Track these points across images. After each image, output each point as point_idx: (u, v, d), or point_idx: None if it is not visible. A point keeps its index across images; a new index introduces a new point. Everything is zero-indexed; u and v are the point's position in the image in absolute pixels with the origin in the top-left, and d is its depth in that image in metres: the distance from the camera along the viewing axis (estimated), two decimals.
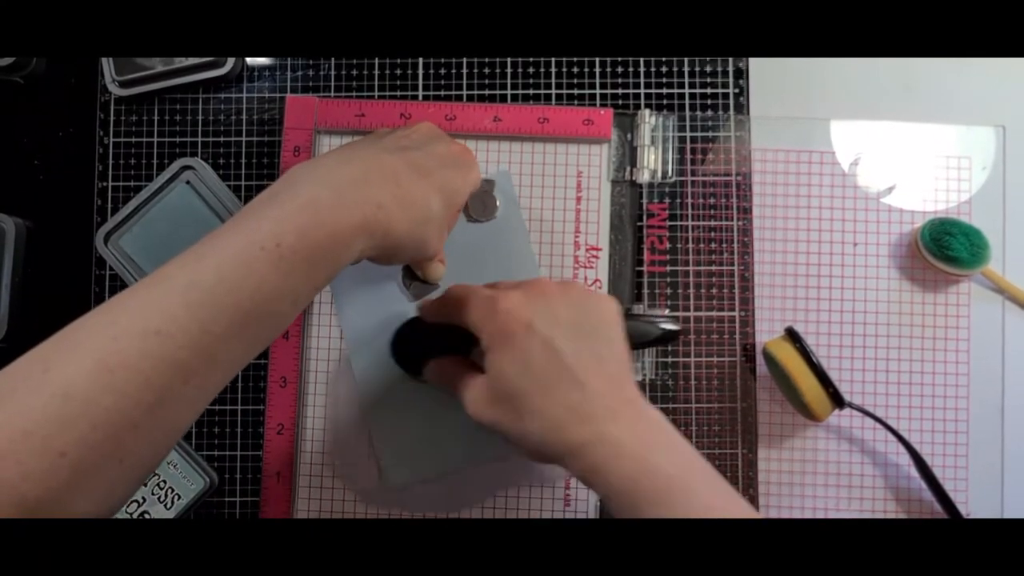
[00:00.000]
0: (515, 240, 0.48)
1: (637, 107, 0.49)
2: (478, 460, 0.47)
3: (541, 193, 0.49)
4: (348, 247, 0.35)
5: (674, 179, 0.49)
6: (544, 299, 0.38)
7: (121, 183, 0.50)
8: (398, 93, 0.50)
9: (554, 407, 0.36)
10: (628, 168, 0.49)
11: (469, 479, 0.47)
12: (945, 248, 0.45)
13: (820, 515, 0.48)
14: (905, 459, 0.47)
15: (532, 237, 0.48)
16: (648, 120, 0.48)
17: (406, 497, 0.48)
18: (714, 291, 0.48)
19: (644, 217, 0.49)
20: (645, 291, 0.48)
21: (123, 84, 0.49)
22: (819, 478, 0.48)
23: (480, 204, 0.48)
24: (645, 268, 0.48)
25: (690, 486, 0.34)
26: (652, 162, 0.48)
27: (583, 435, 0.35)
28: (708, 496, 0.35)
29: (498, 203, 0.48)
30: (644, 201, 0.49)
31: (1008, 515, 0.47)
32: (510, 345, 0.37)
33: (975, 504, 0.47)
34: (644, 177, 0.48)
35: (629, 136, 0.49)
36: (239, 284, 0.32)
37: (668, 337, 0.45)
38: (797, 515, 0.48)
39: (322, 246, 0.34)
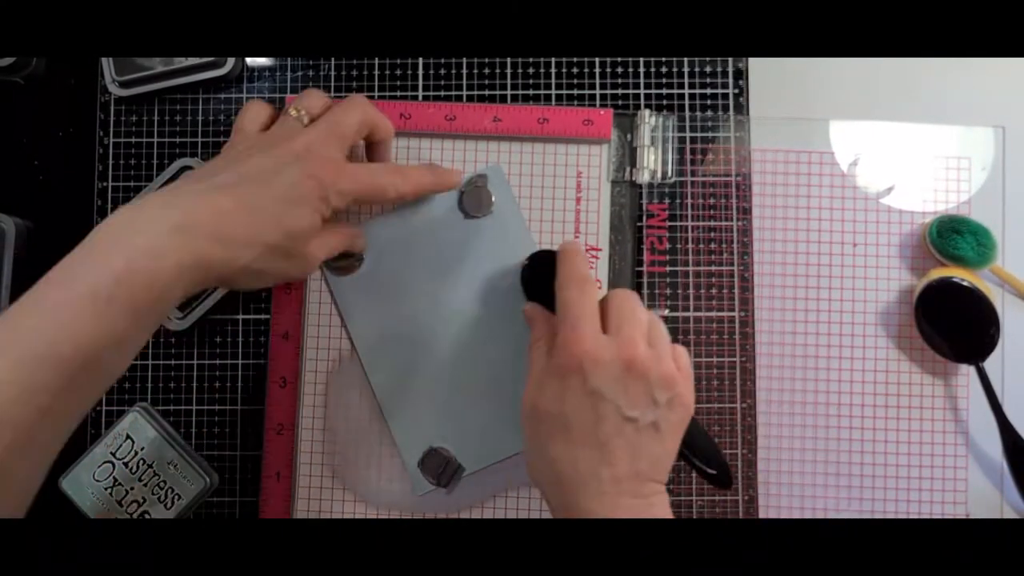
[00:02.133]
0: (513, 234, 0.48)
1: (637, 107, 0.49)
2: (488, 462, 0.47)
3: (541, 193, 0.49)
4: (170, 291, 0.35)
5: (674, 179, 0.49)
6: (628, 371, 0.36)
7: (121, 183, 0.50)
8: (398, 93, 0.50)
9: (565, 463, 0.36)
10: (628, 168, 0.49)
11: (476, 481, 0.47)
12: (952, 247, 0.46)
13: (820, 515, 0.48)
14: (904, 459, 0.47)
15: (531, 238, 0.48)
16: (648, 120, 0.48)
17: (406, 499, 0.48)
18: (714, 291, 0.48)
19: (644, 217, 0.49)
20: (645, 291, 0.48)
21: (123, 84, 0.49)
22: (819, 478, 0.48)
23: (475, 200, 0.48)
24: (645, 268, 0.48)
25: None
26: (652, 162, 0.48)
27: (569, 502, 0.36)
28: None
29: (493, 198, 0.48)
30: (644, 201, 0.49)
31: (1008, 515, 0.47)
32: (562, 383, 0.37)
33: (975, 504, 0.47)
34: (644, 177, 0.48)
35: (629, 136, 0.49)
36: (61, 336, 0.32)
37: (713, 478, 0.43)
38: (797, 515, 0.48)
39: (141, 295, 0.34)
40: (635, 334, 0.37)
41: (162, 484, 0.47)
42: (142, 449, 0.47)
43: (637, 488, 0.36)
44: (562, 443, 0.36)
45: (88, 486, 0.47)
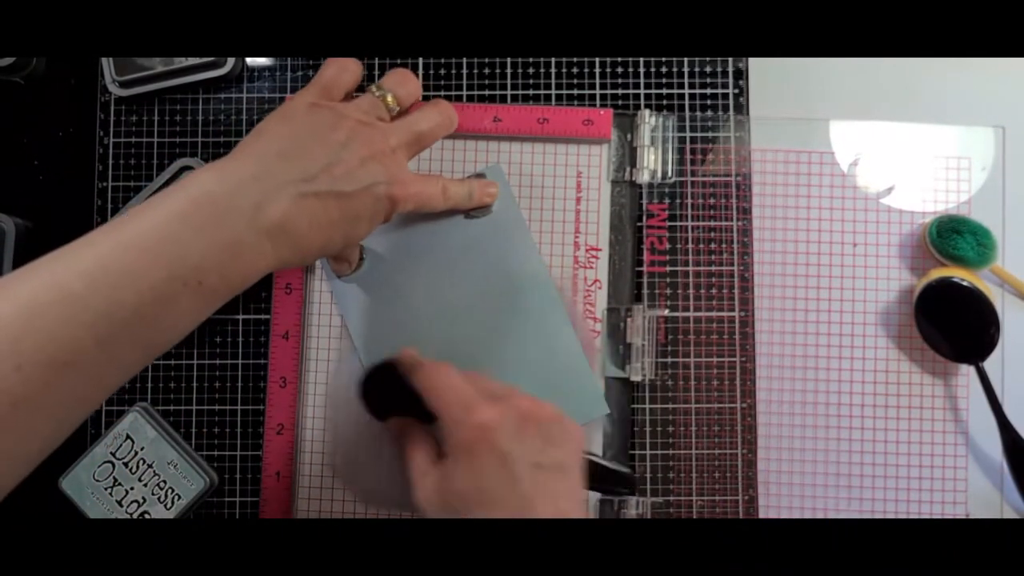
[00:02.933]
0: (514, 233, 0.48)
1: (637, 107, 0.49)
2: None
3: (541, 193, 0.49)
4: (251, 281, 0.36)
5: (674, 179, 0.49)
6: (518, 422, 0.37)
7: (121, 183, 0.50)
8: None
9: None
10: (628, 168, 0.49)
11: None
12: (952, 247, 0.46)
13: (820, 515, 0.48)
14: (904, 459, 0.47)
15: (532, 237, 0.48)
16: (648, 120, 0.48)
17: (406, 498, 0.48)
18: (714, 291, 0.48)
19: (644, 217, 0.49)
20: (645, 291, 0.48)
21: (123, 84, 0.49)
22: (819, 478, 0.48)
23: None
24: (645, 268, 0.48)
25: None
26: (652, 162, 0.48)
27: None
28: None
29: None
30: (644, 201, 0.49)
31: (1007, 514, 0.47)
32: (471, 460, 0.36)
33: (975, 504, 0.47)
34: (644, 177, 0.48)
35: (629, 136, 0.49)
36: (157, 320, 0.33)
37: (625, 483, 0.45)
38: (797, 515, 0.48)
39: (236, 285, 0.35)
40: (505, 390, 0.38)
41: (162, 484, 0.47)
42: (142, 449, 0.47)
43: None
44: (483, 512, 0.35)
45: (88, 486, 0.47)
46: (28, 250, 0.50)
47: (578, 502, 0.37)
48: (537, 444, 0.36)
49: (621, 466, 0.47)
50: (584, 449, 0.39)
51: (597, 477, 0.44)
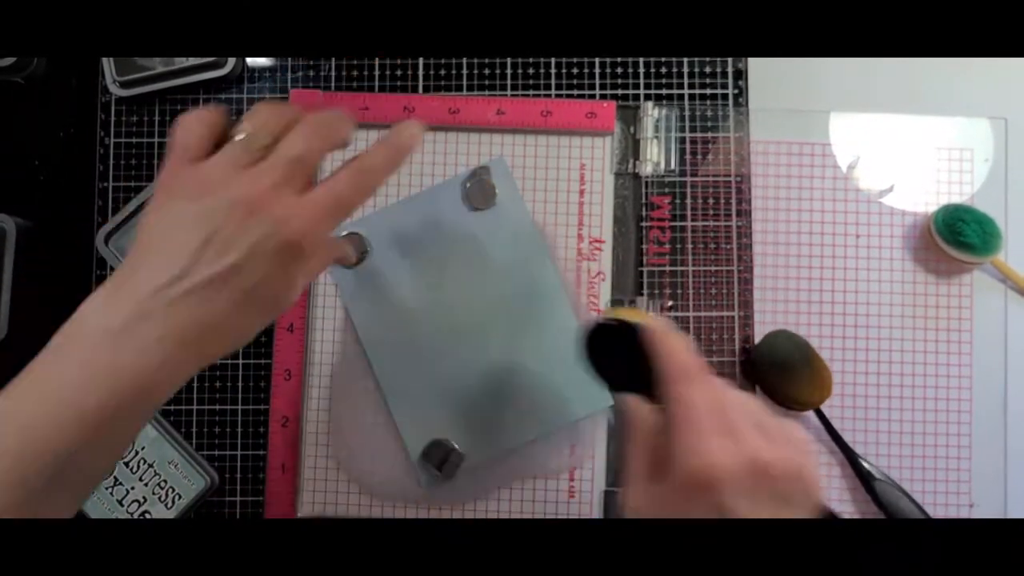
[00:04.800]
0: (519, 225, 0.48)
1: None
2: (490, 455, 0.47)
3: (544, 186, 0.49)
4: (160, 392, 0.32)
5: (676, 171, 0.49)
6: (752, 477, 0.31)
7: (121, 183, 0.50)
8: (398, 93, 0.50)
9: None
10: (631, 161, 0.49)
11: (479, 472, 0.47)
12: (958, 234, 0.46)
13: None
14: (908, 461, 0.47)
15: (536, 230, 0.49)
16: (651, 113, 0.48)
17: (411, 490, 0.48)
18: (714, 291, 0.48)
19: (647, 209, 0.49)
20: (646, 286, 0.48)
21: (124, 84, 0.49)
22: (821, 479, 0.47)
23: (479, 193, 0.48)
24: (648, 261, 0.48)
25: None
26: (655, 155, 0.48)
27: None
28: None
29: (496, 190, 0.48)
30: (646, 191, 0.49)
31: (1011, 508, 0.47)
32: (688, 503, 0.31)
33: (978, 496, 0.47)
34: (647, 170, 0.48)
35: (632, 129, 0.49)
36: (47, 447, 0.30)
37: None
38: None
39: (130, 403, 0.31)
40: (753, 431, 0.32)
41: (163, 484, 0.47)
42: (143, 449, 0.47)
43: None
44: None
45: None
46: (28, 250, 0.50)
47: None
48: (766, 503, 0.31)
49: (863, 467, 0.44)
50: (820, 506, 0.33)
51: None
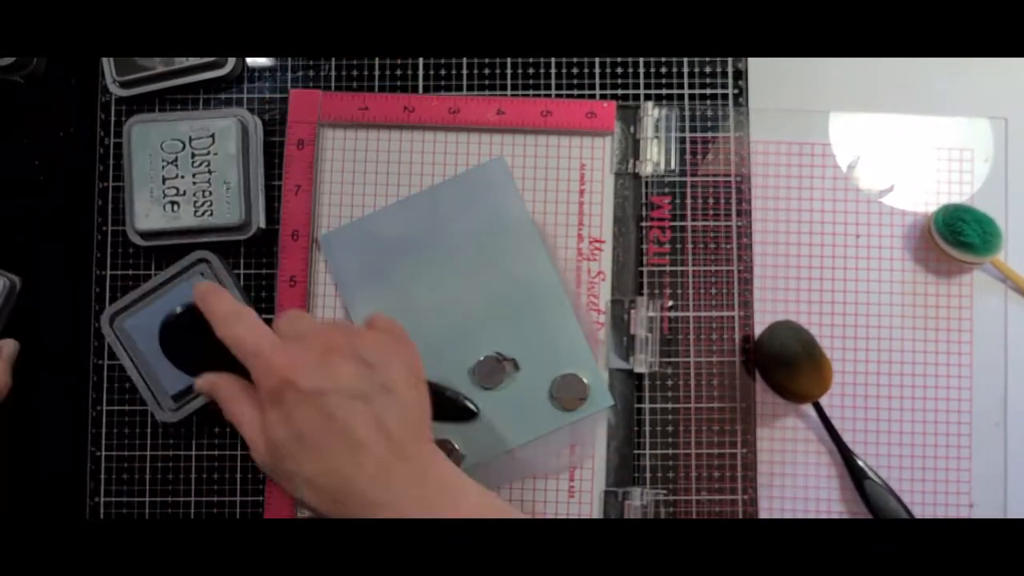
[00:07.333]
0: (519, 225, 0.48)
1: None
2: (490, 455, 0.47)
3: (544, 186, 0.49)
4: None
5: (676, 171, 0.49)
6: (328, 355, 0.35)
7: (121, 183, 0.50)
8: (398, 93, 0.50)
9: (325, 476, 0.33)
10: (631, 161, 0.49)
11: (479, 472, 0.47)
12: (958, 234, 0.46)
13: (820, 515, 0.47)
14: (908, 461, 0.47)
15: (536, 230, 0.49)
16: (651, 113, 0.48)
17: None
18: (714, 291, 0.48)
19: (647, 209, 0.49)
20: (646, 286, 0.48)
21: (124, 84, 0.49)
22: (821, 481, 0.48)
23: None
24: (648, 261, 0.48)
25: None
26: (655, 154, 0.48)
27: (351, 507, 0.33)
28: None
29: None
30: (646, 191, 0.49)
31: (1011, 509, 0.47)
32: (282, 407, 0.34)
33: (978, 497, 0.47)
34: (647, 170, 0.48)
35: (632, 129, 0.49)
36: None
37: (462, 416, 0.41)
38: (800, 515, 0.47)
39: None
40: (309, 325, 0.37)
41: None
42: None
43: (403, 455, 0.34)
44: (309, 458, 0.33)
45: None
46: (28, 250, 0.50)
47: (413, 424, 0.35)
48: (349, 371, 0.34)
49: (463, 398, 0.41)
50: (419, 368, 0.36)
51: (437, 405, 0.38)
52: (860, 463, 0.46)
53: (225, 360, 0.36)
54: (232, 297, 0.37)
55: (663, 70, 0.50)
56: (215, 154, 0.48)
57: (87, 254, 0.50)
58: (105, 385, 0.49)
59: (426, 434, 0.36)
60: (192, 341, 0.38)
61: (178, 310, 0.38)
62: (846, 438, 0.47)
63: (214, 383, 0.37)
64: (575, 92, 0.50)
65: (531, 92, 0.50)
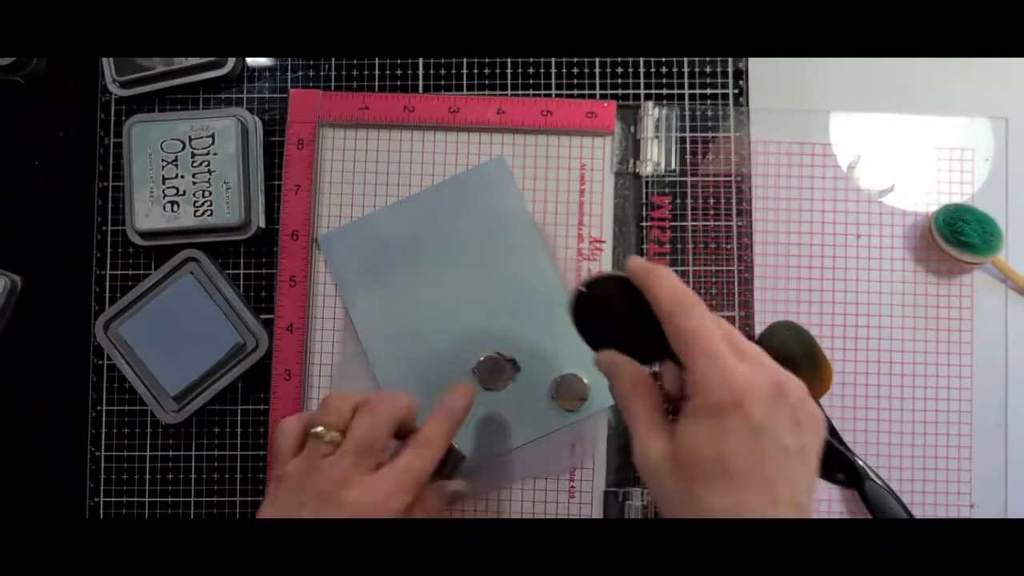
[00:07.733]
0: (519, 225, 0.48)
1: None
2: (491, 455, 0.47)
3: (544, 186, 0.49)
4: None
5: (677, 171, 0.49)
6: (778, 397, 0.32)
7: (121, 183, 0.50)
8: (398, 93, 0.50)
9: (732, 511, 0.31)
10: (631, 160, 0.49)
11: (480, 473, 0.47)
12: (958, 233, 0.46)
13: (821, 515, 0.47)
14: (909, 461, 0.47)
15: (536, 230, 0.49)
16: (652, 112, 0.48)
17: None
18: (714, 291, 0.48)
19: (647, 209, 0.49)
20: None
21: (123, 84, 0.49)
22: (821, 481, 0.47)
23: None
24: (649, 260, 0.48)
25: None
26: (655, 154, 0.48)
27: None
28: None
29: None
30: (646, 191, 0.49)
31: (1011, 509, 0.47)
32: (721, 426, 0.31)
33: (978, 497, 0.47)
34: (647, 169, 0.48)
35: (632, 128, 0.49)
36: None
37: (846, 469, 0.42)
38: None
39: None
40: (760, 353, 0.34)
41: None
42: None
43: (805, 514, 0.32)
44: (722, 489, 0.31)
45: None
46: (29, 249, 0.50)
47: (812, 494, 0.33)
48: (787, 424, 0.32)
49: (847, 450, 0.42)
50: (824, 437, 0.34)
51: (825, 462, 0.37)
52: (860, 463, 0.46)
53: (629, 337, 0.35)
54: (678, 277, 0.35)
55: (663, 70, 0.50)
56: (215, 154, 0.48)
57: (87, 254, 0.50)
58: (105, 385, 0.49)
59: (813, 507, 0.34)
60: (600, 313, 0.36)
61: (602, 275, 0.36)
62: (846, 438, 0.47)
63: (616, 365, 0.36)
64: (575, 92, 0.50)
65: (531, 92, 0.50)
